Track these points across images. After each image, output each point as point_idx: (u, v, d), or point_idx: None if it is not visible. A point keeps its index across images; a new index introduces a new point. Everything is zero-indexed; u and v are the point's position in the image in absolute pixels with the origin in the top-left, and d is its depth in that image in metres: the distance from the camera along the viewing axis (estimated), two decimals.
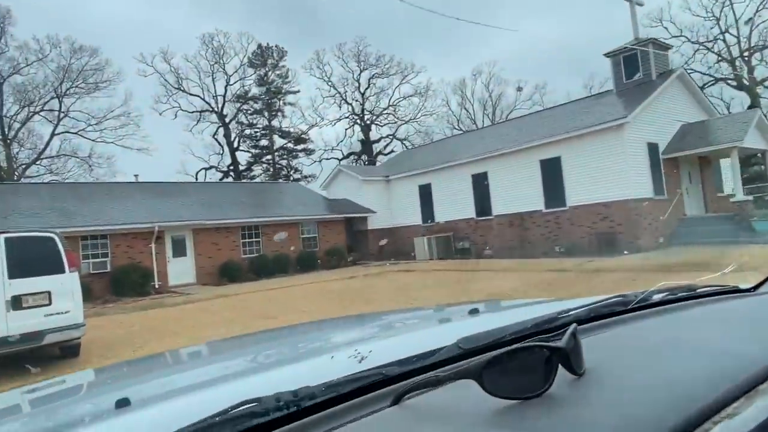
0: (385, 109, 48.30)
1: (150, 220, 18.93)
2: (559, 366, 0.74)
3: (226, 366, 1.41)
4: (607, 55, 21.28)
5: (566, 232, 18.75)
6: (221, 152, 46.91)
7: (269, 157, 49.73)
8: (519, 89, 47.66)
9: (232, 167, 46.68)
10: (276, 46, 48.51)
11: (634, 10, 21.21)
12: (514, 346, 0.73)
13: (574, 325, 0.80)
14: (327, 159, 48.65)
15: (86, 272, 17.48)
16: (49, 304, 7.40)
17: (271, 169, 48.35)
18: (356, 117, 48.51)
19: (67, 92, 38.82)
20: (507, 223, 20.78)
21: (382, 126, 49.29)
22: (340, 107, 48.51)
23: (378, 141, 48.27)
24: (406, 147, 43.78)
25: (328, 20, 59.50)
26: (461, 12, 59.94)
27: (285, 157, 51.56)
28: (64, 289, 7.56)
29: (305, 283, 17.26)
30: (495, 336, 0.97)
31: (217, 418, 0.68)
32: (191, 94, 44.85)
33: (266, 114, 49.61)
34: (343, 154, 48.72)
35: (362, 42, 48.19)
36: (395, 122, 48.17)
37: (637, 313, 1.21)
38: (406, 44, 61.67)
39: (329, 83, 47.95)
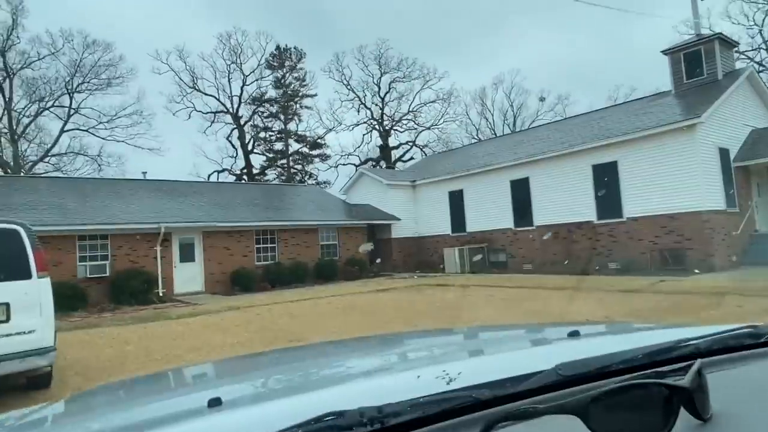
0: (405, 114, 46.49)
1: (156, 221, 17.02)
2: (681, 408, 0.67)
3: (307, 374, 1.41)
4: (665, 52, 19.19)
5: (622, 246, 16.56)
6: (235, 155, 45.28)
7: (284, 161, 48.02)
8: (542, 99, 45.70)
9: (245, 171, 44.96)
10: (294, 47, 47.03)
11: (696, 2, 19.16)
12: (627, 379, 0.68)
13: (700, 361, 0.72)
14: (344, 164, 46.86)
15: (83, 277, 15.58)
16: (6, 320, 5.42)
17: (285, 174, 46.58)
18: (375, 122, 46.72)
19: (79, 88, 37.40)
20: (551, 235, 18.62)
21: (401, 132, 47.46)
22: (358, 112, 46.77)
23: (397, 147, 46.39)
24: (425, 155, 41.80)
25: (348, 22, 58.01)
26: (478, 18, 58.25)
27: (300, 161, 49.88)
28: (29, 301, 5.58)
29: (328, 295, 15.20)
30: (600, 364, 0.89)
31: (299, 430, 0.67)
32: (206, 94, 43.35)
33: (282, 117, 48.02)
34: (360, 159, 46.86)
35: (384, 45, 46.56)
36: (415, 128, 46.30)
37: None
38: (428, 49, 59.94)
39: (348, 86, 46.29)
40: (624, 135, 16.45)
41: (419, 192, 24.03)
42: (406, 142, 46.58)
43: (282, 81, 47.65)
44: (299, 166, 49.60)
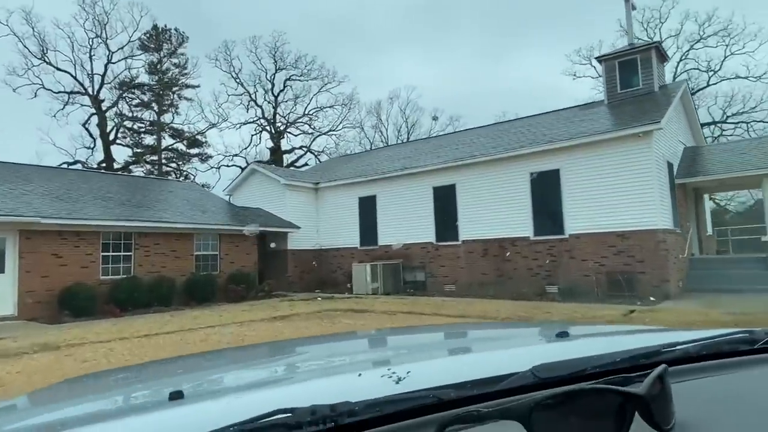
0: (300, 117, 42.59)
1: None
2: (636, 417, 0.63)
3: (267, 371, 1.40)
4: (599, 59, 17.85)
5: (564, 267, 14.38)
6: (92, 146, 37.90)
7: (154, 157, 41.41)
8: (435, 118, 44.70)
9: (104, 165, 37.69)
10: (176, 29, 41.09)
11: (630, 10, 18.14)
12: (577, 386, 0.65)
13: (663, 366, 0.70)
14: (227, 166, 41.59)
15: None
16: None
17: (156, 173, 40.04)
18: (266, 122, 42.19)
19: None
20: (479, 252, 16.04)
21: (295, 135, 43.46)
22: (247, 109, 41.94)
23: (290, 151, 42.23)
24: (320, 162, 38.34)
25: (241, 8, 52.78)
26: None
27: (175, 160, 43.53)
28: None
29: (203, 325, 10.89)
30: (578, 367, 0.86)
31: (247, 426, 0.66)
32: (59, 69, 35.72)
33: (156, 107, 41.59)
34: (246, 162, 41.87)
35: (280, 38, 42.54)
36: (311, 132, 42.56)
37: (766, 355, 1.00)
38: (329, 50, 56.75)
39: (237, 80, 41.34)
40: (569, 140, 14.42)
41: (323, 196, 20.37)
42: (300, 147, 42.65)
43: (158, 66, 41.34)
44: (174, 165, 43.26)
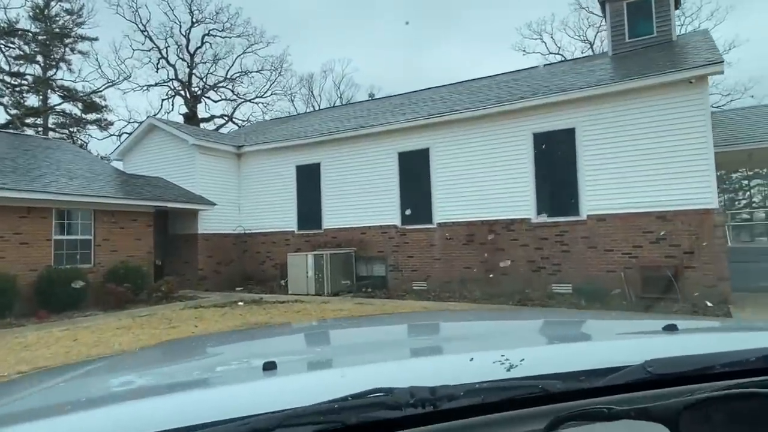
0: (221, 81, 36.74)
1: None
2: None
3: (358, 347, 1.38)
4: (603, 1, 14.34)
5: (578, 259, 10.76)
6: None
7: (39, 120, 34.17)
8: (371, 96, 40.53)
9: None
10: None
11: None
12: (733, 386, 0.58)
13: None
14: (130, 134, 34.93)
15: None
16: None
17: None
18: (180, 84, 35.98)
19: None
20: (461, 238, 12.11)
21: (215, 102, 37.64)
22: (157, 69, 35.48)
23: (209, 120, 36.35)
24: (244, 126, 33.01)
25: None
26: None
27: (67, 126, 36.39)
28: None
29: (44, 354, 6.07)
30: (700, 364, 0.77)
31: (345, 402, 0.65)
32: None
33: (41, 61, 34.28)
34: None
35: None
36: (234, 99, 36.89)
37: None
38: (258, 7, 50.32)
39: (144, 33, 34.72)
40: (590, 88, 10.73)
41: (248, 164, 15.57)
42: (221, 115, 36.88)
43: (44, 12, 33.92)
44: (65, 132, 36.11)
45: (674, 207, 9.84)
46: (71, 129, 36.68)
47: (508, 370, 0.78)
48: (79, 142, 35.93)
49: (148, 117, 15.18)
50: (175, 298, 12.11)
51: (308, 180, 14.41)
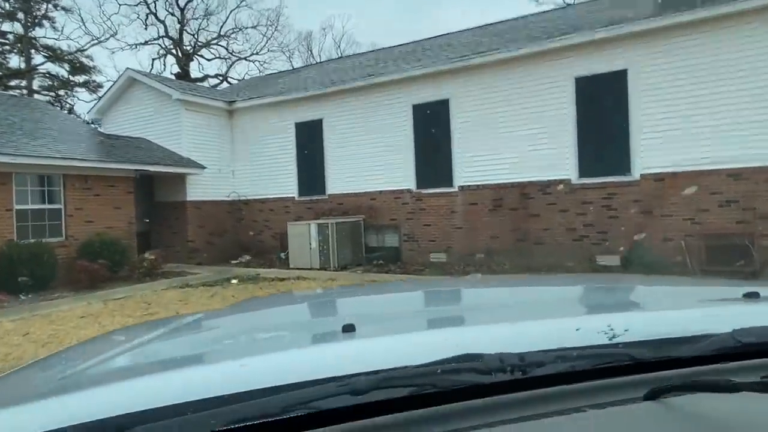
0: (215, 38, 34.49)
1: None
2: None
3: (442, 310, 1.37)
4: None
5: (630, 227, 9.17)
6: None
7: (23, 82, 32.23)
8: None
9: None
10: None
11: None
12: None
13: None
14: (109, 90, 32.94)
15: None
16: None
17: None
18: (171, 42, 33.80)
19: None
20: (488, 203, 10.50)
21: (209, 60, 35.54)
22: (146, 26, 33.35)
23: (202, 80, 34.23)
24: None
25: None
26: None
27: (54, 88, 34.46)
28: None
29: None
30: None
31: (435, 367, 0.64)
32: None
33: (23, 18, 32.06)
34: None
35: None
36: (228, 57, 34.73)
37: None
38: None
39: None
40: (646, 21, 8.89)
41: (241, 122, 13.83)
42: (215, 75, 34.80)
43: None
44: (51, 94, 34.20)
45: (752, 163, 8.17)
46: (58, 92, 34.74)
47: (607, 337, 0.75)
48: (67, 105, 34.14)
49: (126, 69, 13.39)
50: (160, 274, 10.63)
51: (309, 139, 12.71)
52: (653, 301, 1.34)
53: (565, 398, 0.63)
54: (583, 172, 9.57)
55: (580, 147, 9.58)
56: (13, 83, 32.71)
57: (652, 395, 0.61)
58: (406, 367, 0.64)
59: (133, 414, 0.62)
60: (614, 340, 0.75)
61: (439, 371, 0.63)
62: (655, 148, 8.89)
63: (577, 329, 0.79)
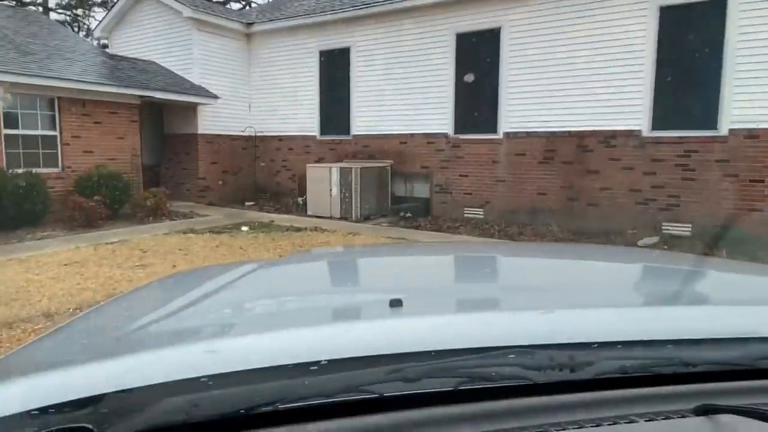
0: None
1: None
2: None
3: (494, 285, 1.27)
4: None
5: (706, 190, 7.75)
6: None
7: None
8: None
9: None
10: None
11: None
12: None
13: None
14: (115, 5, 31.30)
15: None
16: None
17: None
18: None
19: None
20: (537, 155, 9.11)
21: None
22: None
23: (225, 3, 32.27)
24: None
25: None
26: None
27: (70, 6, 33.00)
28: None
29: None
30: None
31: (480, 357, 0.61)
32: None
33: None
34: None
35: None
36: None
37: None
38: None
39: None
40: None
41: (260, 48, 12.37)
42: None
43: None
44: (68, 13, 32.79)
45: None
46: (75, 11, 33.25)
47: (663, 333, 0.69)
48: (85, 27, 32.72)
49: None
50: (165, 215, 9.64)
51: (335, 70, 11.25)
52: (725, 294, 1.10)
53: (616, 404, 0.60)
54: (657, 123, 8.04)
55: (657, 91, 8.00)
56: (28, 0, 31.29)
57: (704, 411, 0.57)
58: (459, 352, 0.62)
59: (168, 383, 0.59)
60: (672, 338, 0.68)
61: (488, 363, 0.61)
62: (752, 95, 7.28)
63: (633, 322, 0.75)
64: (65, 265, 6.14)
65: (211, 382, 0.59)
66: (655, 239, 7.60)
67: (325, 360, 0.62)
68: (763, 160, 7.31)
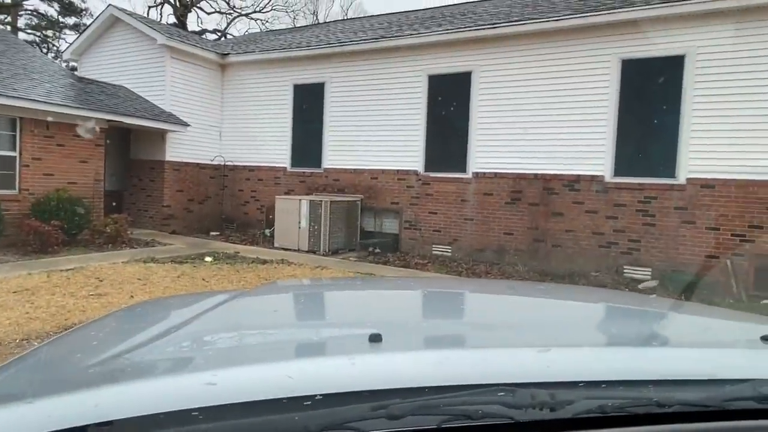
0: None
1: None
2: None
3: (473, 318, 1.31)
4: None
5: (665, 236, 8.01)
6: None
7: (7, 17, 30.22)
8: None
9: None
10: None
11: None
12: None
13: None
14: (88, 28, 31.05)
15: None
16: None
17: None
18: None
19: None
20: (504, 195, 9.28)
21: (208, 14, 33.61)
22: None
23: (200, 33, 32.38)
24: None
25: None
26: None
27: (40, 27, 32.54)
28: None
29: None
30: None
31: (462, 396, 0.62)
32: None
33: None
34: None
35: None
36: (229, 13, 32.83)
37: None
38: None
39: None
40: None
41: (234, 79, 12.39)
42: (214, 30, 32.95)
43: None
44: (38, 34, 32.29)
45: None
46: (45, 32, 32.78)
47: (633, 372, 0.72)
48: (54, 48, 32.24)
49: (108, 5, 11.83)
50: (126, 242, 9.33)
51: (308, 104, 11.33)
52: (687, 335, 1.19)
53: None
54: (620, 169, 8.35)
55: (619, 139, 8.34)
56: None
57: None
58: (442, 389, 0.63)
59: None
60: (643, 378, 0.70)
61: (470, 401, 0.61)
62: (708, 147, 7.67)
63: (607, 361, 0.77)
64: (14, 292, 5.82)
65: (200, 416, 0.59)
66: (654, 282, 7.76)
67: (305, 394, 0.61)
68: (719, 209, 7.63)
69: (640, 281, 7.96)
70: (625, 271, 8.25)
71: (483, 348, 0.94)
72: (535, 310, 1.43)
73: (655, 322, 1.36)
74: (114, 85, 11.58)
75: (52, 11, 32.48)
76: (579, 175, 8.62)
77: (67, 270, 7.05)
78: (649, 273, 8.03)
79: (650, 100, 8.12)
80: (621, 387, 0.68)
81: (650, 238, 8.09)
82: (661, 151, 8.03)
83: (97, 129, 9.12)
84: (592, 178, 8.52)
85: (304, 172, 11.40)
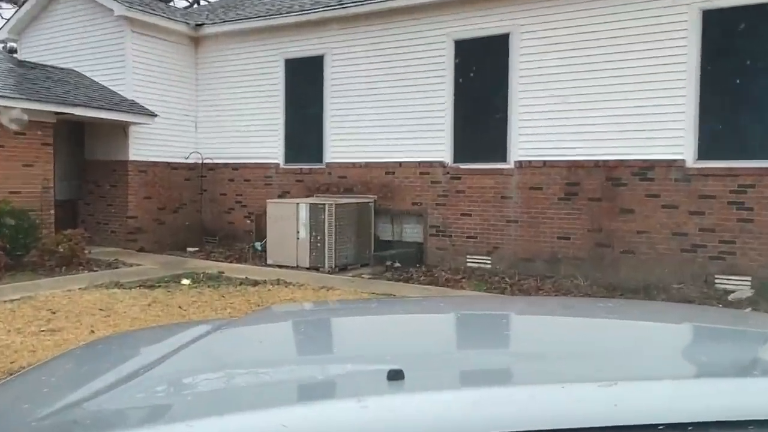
0: None
1: None
2: None
3: (507, 349, 1.36)
4: None
5: (766, 235, 7.88)
6: None
7: None
8: None
9: None
10: None
11: None
12: None
13: None
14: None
15: None
16: None
17: None
18: None
19: None
20: (557, 189, 9.22)
21: None
22: None
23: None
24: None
25: None
26: None
27: None
28: None
29: None
30: None
31: None
32: None
33: None
34: None
35: None
36: None
37: None
38: None
39: None
40: None
41: (211, 55, 12.50)
42: None
43: None
44: None
45: None
46: None
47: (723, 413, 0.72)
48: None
49: None
50: (84, 264, 9.45)
51: (305, 83, 11.40)
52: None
53: None
54: (704, 151, 8.22)
55: (703, 114, 8.21)
56: None
57: None
58: None
59: None
60: (744, 417, 0.70)
61: None
62: None
63: (694, 397, 0.78)
64: None
65: None
66: (748, 293, 7.64)
67: None
68: None
69: (733, 291, 7.82)
70: (716, 281, 8.10)
71: (531, 384, 0.95)
72: (598, 333, 1.44)
73: (757, 345, 1.32)
74: (63, 69, 11.77)
75: None
76: (652, 161, 8.51)
77: (12, 301, 7.15)
78: (749, 282, 7.88)
79: (742, 59, 7.98)
80: (714, 429, 0.67)
81: (748, 237, 7.94)
82: (758, 126, 7.89)
83: (26, 118, 9.10)
84: (670, 164, 8.40)
85: (301, 169, 11.47)
